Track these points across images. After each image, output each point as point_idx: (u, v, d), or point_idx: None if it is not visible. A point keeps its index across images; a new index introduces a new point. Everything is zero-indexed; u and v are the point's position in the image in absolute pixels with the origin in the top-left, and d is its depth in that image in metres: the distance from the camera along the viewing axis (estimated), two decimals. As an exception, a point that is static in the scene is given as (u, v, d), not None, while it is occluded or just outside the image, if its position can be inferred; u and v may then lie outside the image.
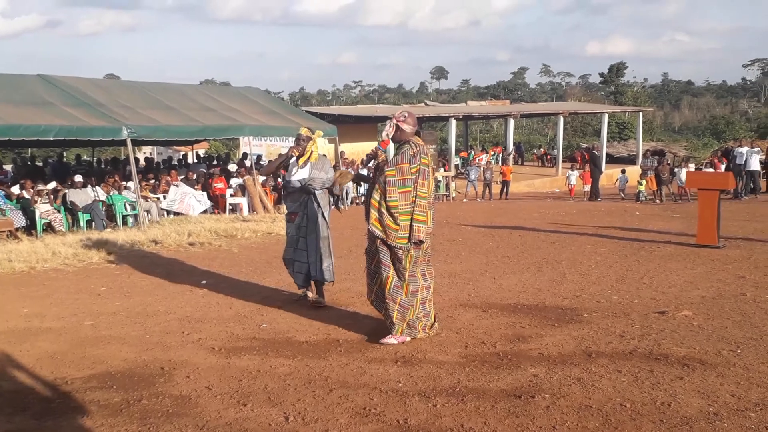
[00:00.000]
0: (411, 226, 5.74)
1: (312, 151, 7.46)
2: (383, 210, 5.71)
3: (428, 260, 6.04)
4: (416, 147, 5.82)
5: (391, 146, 6.09)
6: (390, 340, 5.82)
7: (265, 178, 18.47)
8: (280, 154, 7.95)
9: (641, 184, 22.37)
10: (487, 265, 9.63)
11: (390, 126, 5.96)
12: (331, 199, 7.62)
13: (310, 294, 7.45)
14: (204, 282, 8.85)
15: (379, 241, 5.77)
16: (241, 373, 5.17)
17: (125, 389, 4.87)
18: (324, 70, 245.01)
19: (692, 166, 22.92)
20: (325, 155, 8.06)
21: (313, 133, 7.60)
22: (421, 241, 5.82)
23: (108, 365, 5.44)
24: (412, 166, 5.72)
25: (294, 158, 7.49)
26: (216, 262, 10.60)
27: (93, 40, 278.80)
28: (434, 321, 6.09)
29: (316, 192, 7.34)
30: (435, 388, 4.74)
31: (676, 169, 23.32)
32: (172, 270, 9.87)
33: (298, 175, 7.41)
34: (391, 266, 5.81)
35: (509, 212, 18.01)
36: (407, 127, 5.91)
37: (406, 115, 5.98)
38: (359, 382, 4.92)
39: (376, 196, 5.74)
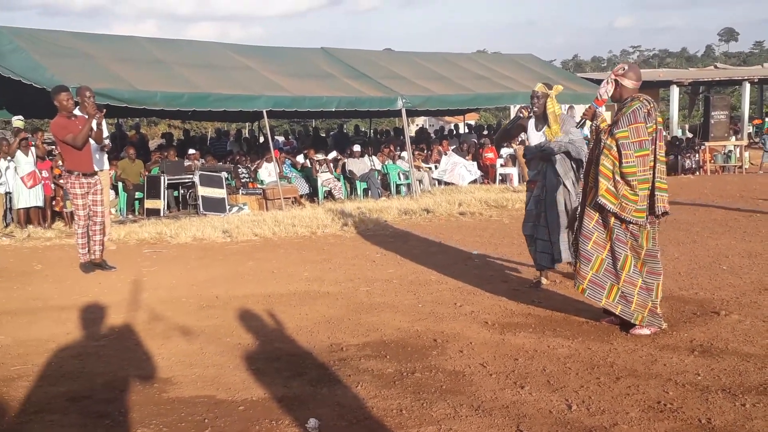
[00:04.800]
0: (653, 195, 4.98)
1: (553, 110, 6.46)
2: (618, 178, 4.93)
3: (655, 237, 5.20)
4: (650, 103, 4.99)
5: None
6: (643, 330, 5.08)
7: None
8: (514, 117, 7.10)
9: None
10: (795, 245, 8.40)
11: (608, 82, 5.13)
12: (574, 166, 6.59)
13: (544, 280, 6.79)
14: (475, 252, 8.63)
15: (612, 217, 5.02)
16: (517, 352, 4.82)
17: (398, 360, 4.73)
18: (599, 36, 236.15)
19: None
20: (568, 115, 7.11)
21: (550, 89, 6.55)
22: (666, 213, 5.04)
23: (382, 333, 5.36)
24: (648, 125, 4.93)
25: (532, 119, 6.72)
26: (487, 232, 10.35)
27: (372, 15, 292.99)
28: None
29: (555, 158, 6.51)
30: (742, 385, 4.06)
31: None
32: (443, 239, 9.78)
33: (536, 138, 6.67)
34: (627, 244, 5.07)
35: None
36: (629, 83, 5.09)
37: (626, 68, 5.16)
38: (650, 371, 4.36)
39: (607, 163, 4.95)
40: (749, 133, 28.37)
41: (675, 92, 27.89)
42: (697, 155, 20.93)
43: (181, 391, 4.33)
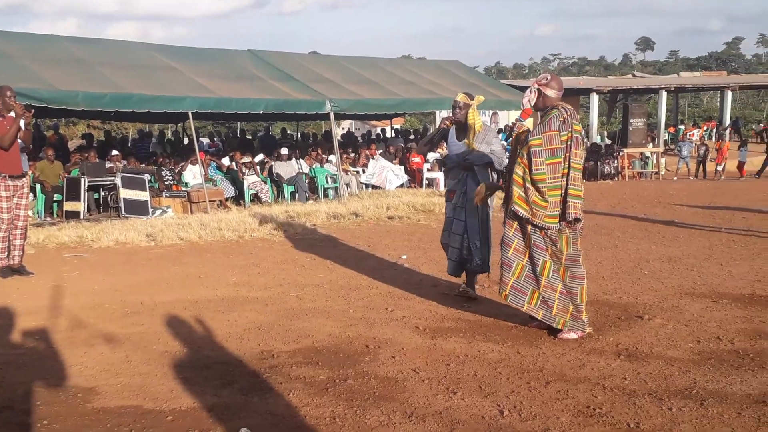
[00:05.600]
0: (565, 202, 5.04)
1: (474, 121, 6.44)
2: (528, 185, 5.06)
3: (576, 242, 5.27)
4: (566, 112, 5.08)
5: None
6: (570, 335, 5.19)
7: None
8: (438, 127, 7.09)
9: None
10: (711, 250, 8.71)
11: (531, 92, 5.23)
12: (494, 176, 6.57)
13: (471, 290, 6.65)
14: (404, 257, 8.67)
15: (529, 223, 5.14)
16: (449, 357, 4.86)
17: (331, 367, 4.70)
18: (520, 44, 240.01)
19: None
20: (491, 127, 7.14)
21: (472, 99, 6.51)
22: (578, 219, 5.09)
23: (313, 339, 5.32)
24: (562, 133, 5.01)
25: (452, 130, 6.65)
26: (415, 236, 10.41)
27: (297, 18, 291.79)
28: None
29: (476, 167, 6.42)
30: (668, 389, 4.18)
31: None
32: (372, 243, 9.79)
33: (456, 148, 6.59)
34: (547, 250, 5.18)
35: (728, 192, 16.50)
36: (551, 92, 5.18)
37: (549, 77, 5.25)
38: (578, 375, 4.45)
39: (519, 171, 5.09)
40: (665, 140, 29.37)
41: (594, 99, 28.64)
42: (615, 161, 21.56)
43: (106, 401, 4.20)
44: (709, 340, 5.10)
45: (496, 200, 6.68)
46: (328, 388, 4.33)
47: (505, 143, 6.76)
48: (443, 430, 3.69)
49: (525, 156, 5.10)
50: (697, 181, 21.41)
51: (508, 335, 5.37)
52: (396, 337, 5.36)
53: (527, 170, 5.08)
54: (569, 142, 5.06)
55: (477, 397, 4.12)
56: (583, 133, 5.32)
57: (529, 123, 5.51)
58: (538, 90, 5.23)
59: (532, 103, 5.27)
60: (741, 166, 22.48)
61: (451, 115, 6.69)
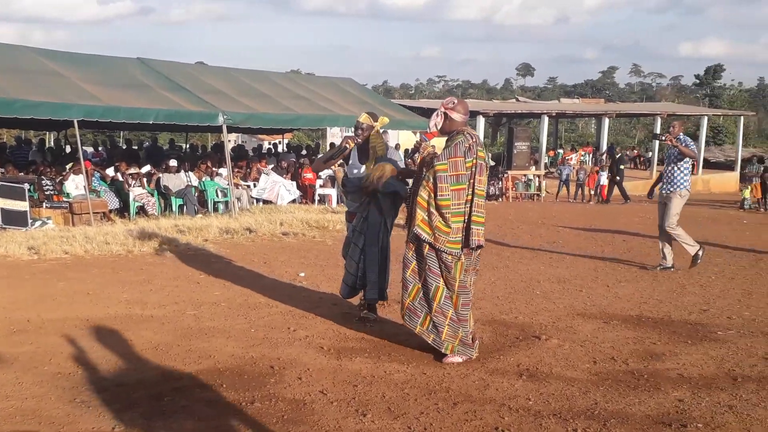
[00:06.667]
0: (469, 228, 5.11)
1: (374, 145, 6.24)
2: (432, 210, 5.07)
3: (477, 269, 5.43)
4: (471, 138, 5.13)
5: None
6: (455, 358, 5.19)
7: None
8: (332, 144, 6.77)
9: (745, 191, 21.28)
10: (597, 271, 9.08)
11: (438, 115, 5.24)
12: (397, 203, 6.27)
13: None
14: (302, 274, 8.59)
15: (426, 247, 5.15)
16: (355, 378, 4.83)
17: (236, 389, 4.58)
18: (407, 64, 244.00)
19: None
20: (393, 148, 6.88)
21: (376, 120, 6.28)
22: (481, 246, 5.19)
23: (215, 360, 5.17)
24: (467, 159, 5.06)
25: (354, 151, 6.35)
26: (311, 253, 10.35)
27: (183, 28, 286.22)
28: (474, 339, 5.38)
29: (379, 195, 6.14)
30: (571, 409, 4.30)
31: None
32: (268, 260, 9.66)
33: (359, 171, 6.34)
34: (441, 276, 5.21)
35: (606, 215, 17.28)
36: (457, 116, 5.22)
37: (455, 102, 5.29)
38: (484, 396, 4.51)
39: (424, 194, 5.10)
40: (545, 164, 30.42)
41: (481, 122, 29.33)
42: (500, 182, 22.19)
43: (-4, 427, 3.95)
44: (604, 361, 5.28)
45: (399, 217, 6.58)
46: (234, 411, 4.21)
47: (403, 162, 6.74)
48: (357, 453, 3.66)
49: (431, 180, 5.10)
50: (576, 203, 22.28)
51: (412, 355, 5.39)
52: (301, 357, 5.28)
53: (432, 194, 5.09)
54: (474, 169, 5.11)
55: (387, 419, 4.11)
56: (486, 159, 5.40)
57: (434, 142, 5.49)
58: (445, 113, 5.27)
59: (439, 127, 5.31)
60: (602, 189, 23.54)
61: (353, 134, 6.39)
